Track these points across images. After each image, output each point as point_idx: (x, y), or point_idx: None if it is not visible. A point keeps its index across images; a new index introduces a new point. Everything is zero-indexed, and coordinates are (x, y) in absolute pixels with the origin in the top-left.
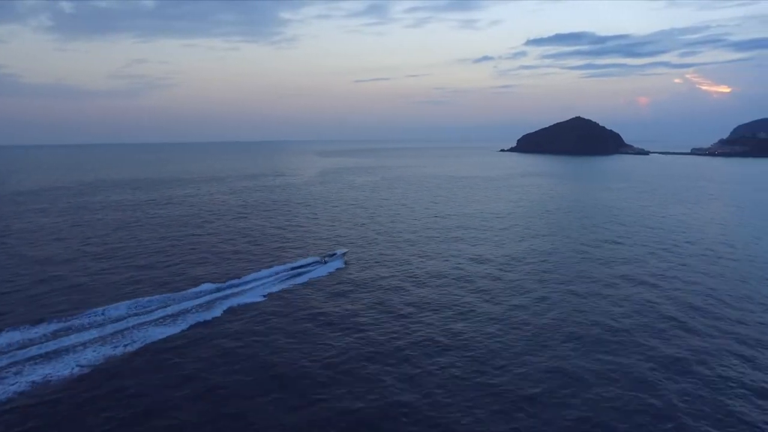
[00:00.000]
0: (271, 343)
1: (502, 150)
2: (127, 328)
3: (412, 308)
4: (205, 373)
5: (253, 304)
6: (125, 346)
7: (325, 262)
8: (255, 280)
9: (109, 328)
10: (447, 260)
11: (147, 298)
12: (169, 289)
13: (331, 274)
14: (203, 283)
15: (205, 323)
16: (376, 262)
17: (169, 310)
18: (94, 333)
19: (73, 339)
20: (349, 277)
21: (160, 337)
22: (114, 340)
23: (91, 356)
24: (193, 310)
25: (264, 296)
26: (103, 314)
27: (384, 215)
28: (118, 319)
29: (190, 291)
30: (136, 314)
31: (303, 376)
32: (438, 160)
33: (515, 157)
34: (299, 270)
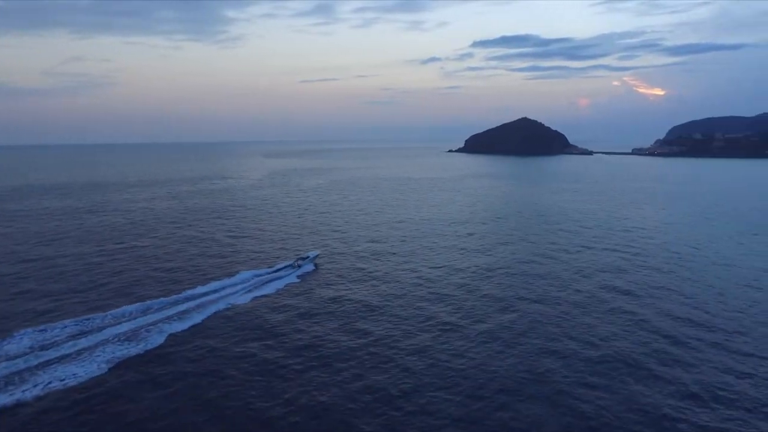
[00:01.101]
0: (222, 383)
1: (450, 150)
2: (29, 368)
3: (381, 330)
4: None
5: (198, 328)
6: (24, 392)
7: (299, 266)
8: (202, 296)
9: (3, 368)
10: (414, 272)
11: (60, 325)
12: (93, 313)
13: (282, 289)
14: (136, 302)
15: (137, 358)
16: (338, 276)
17: (86, 342)
18: None
19: None
20: (309, 292)
21: (74, 380)
22: (10, 387)
23: None
24: (120, 340)
25: (213, 316)
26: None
27: (339, 221)
28: (18, 356)
29: (118, 314)
30: (43, 348)
31: (261, 426)
32: (387, 161)
33: (463, 157)
34: (258, 280)
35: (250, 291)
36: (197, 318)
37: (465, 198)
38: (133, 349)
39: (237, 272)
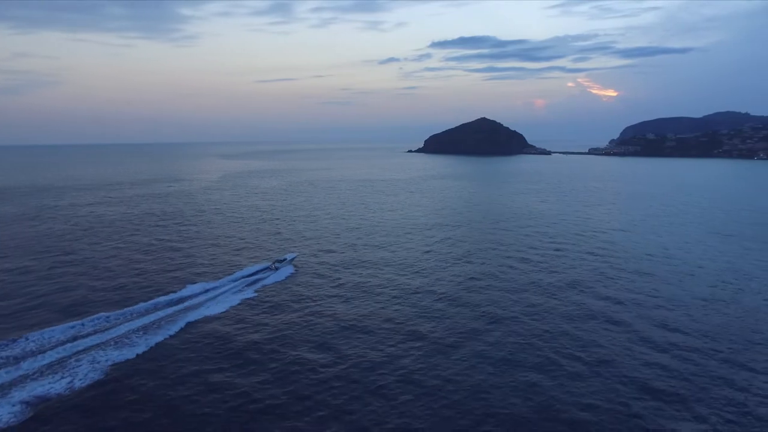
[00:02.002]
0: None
1: (410, 151)
2: None
3: (360, 352)
4: None
5: (144, 357)
6: None
7: (276, 269)
8: (150, 313)
9: None
10: (391, 281)
11: None
12: (12, 339)
13: (246, 302)
14: (68, 322)
15: (63, 399)
16: (307, 287)
17: None
18: None
19: None
20: (275, 307)
21: None
22: None
23: None
24: (43, 374)
25: (164, 341)
26: None
27: (302, 226)
28: None
29: (43, 339)
30: None
31: None
32: (347, 162)
33: (424, 158)
34: (223, 290)
35: (209, 306)
36: (142, 344)
37: (431, 201)
38: (59, 386)
39: (193, 283)
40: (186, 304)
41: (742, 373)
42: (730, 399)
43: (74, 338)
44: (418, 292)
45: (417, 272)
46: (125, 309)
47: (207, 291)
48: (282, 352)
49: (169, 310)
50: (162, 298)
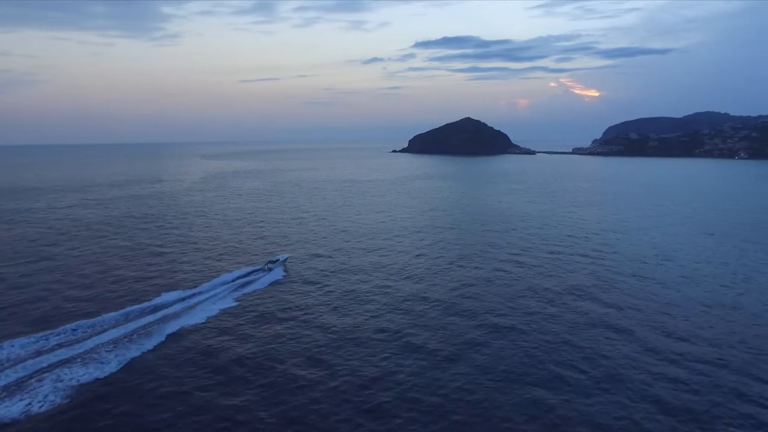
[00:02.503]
0: None
1: (394, 151)
2: None
3: (353, 366)
4: None
5: (119, 375)
6: None
7: (269, 269)
8: (128, 321)
9: None
10: (382, 287)
11: None
12: None
13: (229, 310)
14: (35, 334)
15: (21, 426)
16: (295, 294)
17: None
18: None
19: None
20: (262, 316)
21: None
22: None
23: None
24: (0, 397)
25: (142, 356)
26: None
27: (288, 228)
28: None
29: (1, 355)
30: None
31: None
32: (331, 162)
33: (408, 158)
34: (208, 296)
35: (190, 315)
36: (114, 360)
37: (419, 202)
38: (15, 410)
39: (173, 290)
40: (164, 312)
41: (755, 386)
42: (746, 414)
43: (37, 354)
44: (410, 300)
45: (408, 277)
46: (96, 319)
47: (187, 299)
48: (268, 367)
49: (144, 321)
50: (136, 307)
